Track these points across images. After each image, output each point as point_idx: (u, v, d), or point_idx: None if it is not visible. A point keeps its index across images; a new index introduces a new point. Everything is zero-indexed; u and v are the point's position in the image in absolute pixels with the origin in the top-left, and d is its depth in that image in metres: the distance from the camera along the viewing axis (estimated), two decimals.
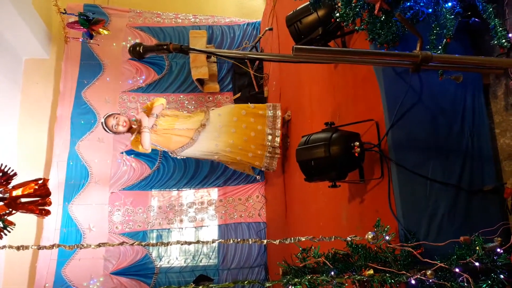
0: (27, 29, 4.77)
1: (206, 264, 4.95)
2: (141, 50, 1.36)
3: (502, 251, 1.42)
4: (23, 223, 4.42)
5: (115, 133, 3.69)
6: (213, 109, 3.89)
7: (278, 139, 3.76)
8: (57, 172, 4.89)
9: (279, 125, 3.79)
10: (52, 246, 1.39)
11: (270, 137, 3.76)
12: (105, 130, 3.67)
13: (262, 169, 3.95)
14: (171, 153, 3.82)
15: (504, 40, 1.43)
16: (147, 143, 3.60)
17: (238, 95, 5.21)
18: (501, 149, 1.82)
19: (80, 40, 5.17)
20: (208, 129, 3.71)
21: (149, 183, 5.06)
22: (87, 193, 4.91)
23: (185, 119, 3.75)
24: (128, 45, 5.39)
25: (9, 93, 4.97)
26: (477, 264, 1.41)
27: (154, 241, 4.97)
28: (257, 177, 4.79)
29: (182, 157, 3.94)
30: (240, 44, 5.52)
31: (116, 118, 3.61)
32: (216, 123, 3.74)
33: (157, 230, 4.99)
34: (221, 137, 3.74)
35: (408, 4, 1.64)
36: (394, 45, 1.79)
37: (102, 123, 3.66)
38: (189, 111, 5.33)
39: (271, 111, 3.86)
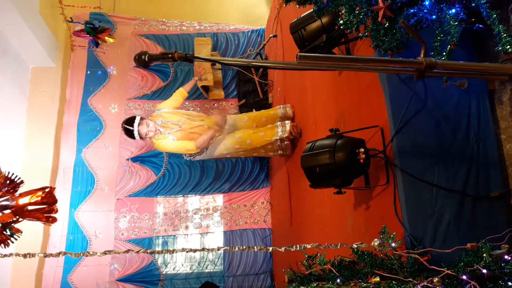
0: (34, 38, 4.82)
1: (211, 270, 4.94)
2: (146, 59, 1.37)
3: (509, 258, 1.41)
4: (30, 230, 4.45)
5: (143, 139, 3.68)
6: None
7: (288, 128, 3.73)
8: (64, 179, 4.92)
9: (290, 114, 3.92)
10: (58, 254, 1.40)
11: (280, 128, 3.79)
12: (131, 135, 3.61)
13: (276, 155, 3.90)
14: (186, 155, 3.84)
15: (508, 46, 1.42)
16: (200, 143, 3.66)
17: (243, 101, 5.22)
18: (507, 155, 1.81)
19: (86, 48, 5.22)
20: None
21: (155, 189, 5.08)
22: (93, 199, 4.94)
23: (199, 119, 3.83)
24: (134, 53, 5.45)
25: (16, 101, 5.02)
26: (484, 271, 1.40)
27: (160, 248, 4.97)
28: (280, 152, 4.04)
29: (196, 160, 3.98)
30: (244, 51, 5.54)
31: (148, 124, 3.59)
32: (228, 122, 3.87)
33: (162, 236, 4.99)
34: (229, 134, 3.82)
35: (412, 10, 1.64)
36: (398, 51, 1.79)
37: (132, 129, 3.57)
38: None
39: (282, 110, 3.97)
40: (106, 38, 4.79)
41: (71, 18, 4.98)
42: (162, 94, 5.39)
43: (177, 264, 4.92)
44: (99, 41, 4.77)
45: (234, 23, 5.82)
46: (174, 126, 3.68)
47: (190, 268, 4.92)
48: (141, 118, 3.64)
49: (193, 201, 5.17)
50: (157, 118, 3.68)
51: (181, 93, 3.93)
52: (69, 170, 4.96)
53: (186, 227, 5.04)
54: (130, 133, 3.61)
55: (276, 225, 4.86)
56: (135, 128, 3.58)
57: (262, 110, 4.13)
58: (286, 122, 3.79)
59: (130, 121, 3.62)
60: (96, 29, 4.70)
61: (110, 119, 5.20)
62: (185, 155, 3.87)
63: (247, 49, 5.54)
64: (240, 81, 5.35)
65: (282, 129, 3.75)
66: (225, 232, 5.05)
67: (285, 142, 3.75)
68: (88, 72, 5.32)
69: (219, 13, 6.01)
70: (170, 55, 1.31)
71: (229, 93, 5.48)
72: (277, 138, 3.74)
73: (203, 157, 3.89)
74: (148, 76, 5.38)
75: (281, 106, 4.02)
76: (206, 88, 5.26)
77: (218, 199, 5.20)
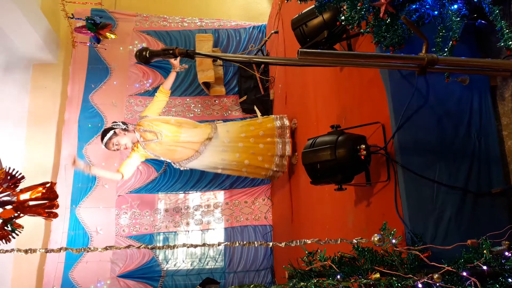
0: (35, 34, 4.82)
1: (212, 267, 4.95)
2: (147, 55, 1.37)
3: (510, 254, 1.41)
4: (31, 226, 4.47)
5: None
6: (219, 122, 3.88)
7: (288, 147, 3.74)
8: (65, 175, 4.93)
9: (288, 134, 3.81)
10: (59, 250, 1.41)
11: (280, 146, 3.74)
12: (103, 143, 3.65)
13: (266, 177, 3.97)
14: (173, 163, 3.80)
15: (510, 42, 1.42)
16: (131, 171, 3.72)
17: (244, 98, 5.22)
18: (508, 152, 1.80)
19: (88, 44, 5.22)
20: (215, 143, 3.67)
21: (156, 186, 5.08)
22: (94, 196, 4.94)
23: (189, 128, 3.69)
24: (135, 49, 5.45)
25: (17, 98, 5.02)
26: (484, 267, 1.40)
27: (161, 244, 4.98)
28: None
29: (185, 169, 3.92)
30: (246, 47, 5.53)
31: (117, 143, 3.59)
32: (223, 138, 3.71)
33: (163, 233, 5.00)
34: (227, 152, 3.71)
35: (414, 6, 1.63)
36: (400, 47, 1.78)
37: (104, 140, 3.60)
38: (195, 114, 5.35)
39: (279, 122, 3.86)
40: (107, 34, 4.79)
41: (72, 14, 4.98)
42: None
43: (178, 260, 4.93)
44: (100, 38, 4.77)
45: (236, 19, 5.81)
46: (153, 137, 3.59)
47: (191, 264, 4.94)
48: (115, 133, 3.57)
49: (194, 198, 5.17)
50: (140, 127, 3.64)
51: (162, 91, 3.75)
52: (70, 166, 4.96)
53: (187, 224, 5.05)
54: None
55: (277, 222, 4.87)
56: (104, 142, 3.60)
57: (259, 123, 3.89)
58: (283, 166, 3.78)
59: (103, 133, 3.61)
60: (97, 25, 4.70)
61: (111, 115, 5.20)
62: (173, 162, 3.80)
63: (248, 45, 5.53)
64: (241, 78, 5.34)
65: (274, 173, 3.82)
66: (226, 229, 5.06)
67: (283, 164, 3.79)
68: (90, 68, 5.32)
69: (220, 9, 6.00)
70: (171, 51, 1.31)
71: (230, 89, 5.47)
72: (275, 169, 3.78)
73: (193, 165, 3.81)
74: (149, 72, 5.38)
75: (278, 118, 3.90)
76: (207, 85, 5.26)
77: (219, 196, 5.20)
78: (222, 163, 3.76)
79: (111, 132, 3.58)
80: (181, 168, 3.86)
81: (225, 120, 5.22)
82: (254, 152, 3.72)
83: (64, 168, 4.95)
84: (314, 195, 3.13)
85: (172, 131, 3.62)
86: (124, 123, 3.70)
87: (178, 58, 3.64)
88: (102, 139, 3.61)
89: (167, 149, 3.63)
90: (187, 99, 5.40)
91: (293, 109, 3.96)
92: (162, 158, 3.77)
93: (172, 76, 3.82)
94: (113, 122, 3.71)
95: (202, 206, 5.13)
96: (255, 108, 4.65)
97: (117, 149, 3.65)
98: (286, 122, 3.85)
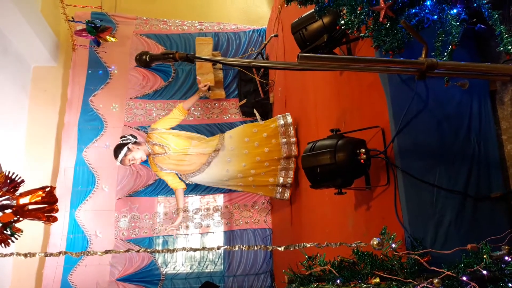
0: (35, 37, 4.83)
1: (211, 270, 4.94)
2: (147, 59, 1.37)
3: (510, 259, 1.41)
4: (31, 230, 4.46)
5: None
6: (226, 133, 3.85)
7: (294, 148, 3.62)
8: (64, 178, 4.93)
9: (292, 132, 3.67)
10: (59, 254, 1.40)
11: (285, 147, 3.64)
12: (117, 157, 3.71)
13: (278, 187, 3.78)
14: (180, 175, 3.81)
15: (510, 47, 1.42)
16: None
17: (244, 101, 5.22)
18: (508, 156, 1.80)
19: (88, 47, 5.23)
20: (221, 154, 3.65)
21: (155, 189, 5.08)
22: (93, 199, 4.94)
23: (199, 142, 3.71)
24: (135, 52, 5.46)
25: (17, 100, 5.03)
26: (484, 272, 1.39)
27: (160, 248, 4.97)
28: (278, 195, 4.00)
29: (191, 183, 3.90)
30: (245, 50, 5.54)
31: (132, 159, 3.67)
32: (228, 146, 3.68)
33: (163, 236, 4.99)
34: (232, 162, 3.65)
35: (413, 11, 1.64)
36: (400, 51, 1.79)
37: (118, 157, 3.66)
38: (195, 117, 5.35)
39: (282, 120, 3.76)
40: (108, 37, 4.80)
41: (72, 17, 4.99)
42: (163, 93, 5.40)
43: (177, 263, 4.92)
44: (101, 41, 4.78)
45: (235, 23, 5.82)
46: (161, 150, 3.61)
47: (190, 268, 4.93)
48: (129, 149, 3.64)
49: (194, 201, 5.17)
50: (150, 139, 3.67)
51: (181, 110, 3.72)
52: (70, 169, 4.97)
53: (187, 227, 5.04)
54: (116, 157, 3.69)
55: (276, 225, 4.86)
56: (119, 159, 3.66)
57: (261, 124, 3.83)
58: (291, 165, 3.67)
59: (117, 150, 3.67)
60: (97, 28, 4.70)
61: (111, 118, 5.21)
62: (179, 174, 3.81)
63: (248, 48, 5.54)
64: (241, 81, 5.35)
65: (285, 175, 3.69)
66: (225, 232, 5.05)
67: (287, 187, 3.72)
68: (90, 71, 5.33)
69: (220, 12, 6.02)
70: (171, 55, 1.31)
71: (230, 92, 5.48)
72: (281, 181, 3.70)
73: (198, 180, 3.81)
74: (149, 75, 5.39)
75: (281, 117, 3.78)
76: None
77: (218, 199, 5.20)
78: (227, 174, 3.70)
79: (125, 148, 3.63)
80: (186, 182, 3.84)
81: (227, 124, 5.24)
82: (260, 159, 3.64)
83: (63, 170, 4.95)
84: (314, 198, 3.12)
85: (180, 145, 3.63)
86: (133, 136, 3.73)
87: (208, 85, 3.80)
88: (116, 156, 3.65)
89: (174, 163, 3.65)
90: None
91: (293, 113, 3.95)
92: (169, 171, 3.77)
93: (194, 98, 3.85)
94: (121, 137, 3.75)
95: (201, 209, 5.13)
96: (255, 111, 4.65)
97: (133, 164, 3.70)
98: (289, 119, 3.72)
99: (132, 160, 3.65)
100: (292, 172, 3.68)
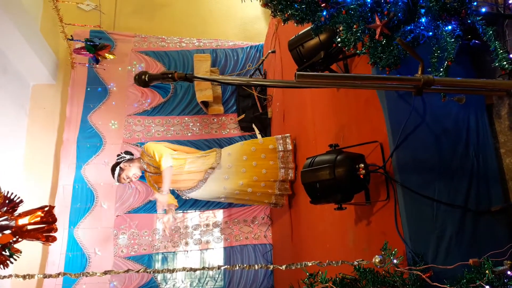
0: (34, 56, 4.86)
1: (212, 287, 4.88)
2: (146, 79, 1.38)
3: None
4: (29, 248, 4.41)
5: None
6: (224, 149, 3.87)
7: (291, 173, 3.69)
8: (63, 196, 4.90)
9: (291, 159, 3.73)
10: (58, 275, 1.39)
11: (283, 171, 3.68)
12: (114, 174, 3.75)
13: (270, 206, 3.96)
14: (177, 191, 3.82)
15: (505, 62, 1.44)
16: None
17: (242, 116, 5.24)
18: (507, 169, 1.81)
19: (87, 65, 5.26)
20: (218, 171, 3.67)
21: (154, 206, 5.02)
22: (92, 216, 4.91)
23: (194, 159, 3.71)
24: (133, 70, 5.50)
25: (16, 118, 5.03)
26: (487, 287, 1.39)
27: (160, 264, 4.93)
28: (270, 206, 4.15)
29: (188, 198, 3.92)
30: (243, 66, 5.58)
31: (127, 177, 3.71)
32: (225, 163, 3.69)
33: (162, 253, 4.95)
34: (230, 179, 3.67)
35: (409, 27, 1.66)
36: (396, 67, 1.81)
37: (114, 178, 3.72)
38: (194, 133, 5.36)
39: (281, 145, 3.77)
40: (106, 54, 4.84)
41: (71, 36, 5.03)
42: (162, 110, 5.41)
43: (177, 280, 4.86)
44: (99, 58, 4.82)
45: (233, 39, 5.87)
46: (156, 170, 3.66)
47: (190, 285, 4.87)
48: (121, 169, 3.69)
49: (193, 217, 5.14)
50: (143, 159, 3.72)
51: (160, 167, 3.54)
52: (68, 187, 4.94)
53: (186, 243, 5.00)
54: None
55: (276, 241, 4.83)
56: (115, 179, 3.73)
57: (260, 143, 3.84)
58: (286, 191, 3.75)
59: (112, 171, 3.74)
60: (96, 46, 4.74)
61: (110, 135, 5.20)
62: (177, 190, 3.83)
63: (246, 64, 5.58)
64: (239, 96, 5.38)
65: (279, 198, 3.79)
66: (225, 248, 5.01)
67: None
68: (88, 89, 5.35)
69: (218, 29, 6.07)
70: (170, 75, 1.33)
71: (229, 108, 5.50)
72: (278, 192, 3.75)
73: (195, 196, 3.82)
74: (148, 92, 5.41)
75: (280, 140, 3.79)
76: (205, 104, 5.29)
77: (218, 214, 5.17)
78: (224, 191, 3.72)
79: (118, 169, 3.70)
80: (183, 197, 3.85)
81: (225, 140, 5.25)
82: (257, 179, 3.67)
83: (62, 188, 4.93)
84: (314, 213, 3.11)
85: (175, 164, 3.62)
86: (127, 152, 3.79)
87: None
88: (113, 176, 3.74)
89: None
90: (186, 118, 5.42)
91: (291, 127, 3.97)
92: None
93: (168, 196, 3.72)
94: (117, 155, 3.81)
95: (201, 225, 5.10)
96: (254, 126, 4.66)
97: (130, 181, 3.77)
98: (289, 146, 3.74)
99: (127, 178, 3.70)
100: (285, 197, 3.85)
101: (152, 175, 3.70)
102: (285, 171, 3.69)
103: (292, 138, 3.86)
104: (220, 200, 3.95)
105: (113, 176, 3.72)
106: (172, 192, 4.08)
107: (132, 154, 3.82)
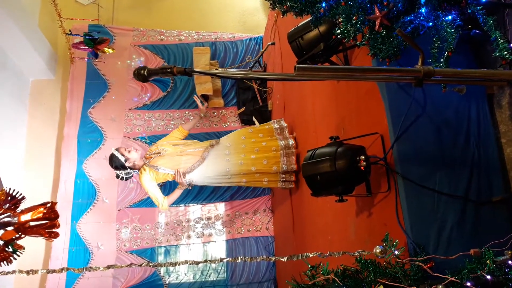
0: (33, 51, 4.85)
1: (215, 279, 4.92)
2: (145, 74, 1.38)
3: None
4: (32, 244, 4.44)
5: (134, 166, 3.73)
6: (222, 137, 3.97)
7: (291, 141, 3.73)
8: (65, 191, 4.92)
9: (287, 133, 3.84)
10: (61, 270, 1.40)
11: (282, 142, 3.73)
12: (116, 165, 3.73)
13: (280, 180, 3.74)
14: (180, 177, 3.81)
15: (505, 52, 1.43)
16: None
17: (243, 109, 5.23)
18: (508, 159, 1.81)
19: (86, 59, 5.24)
20: (218, 148, 3.74)
21: None
22: (94, 211, 4.93)
23: (194, 144, 3.83)
24: (133, 63, 5.48)
25: (16, 114, 5.03)
26: (488, 277, 1.39)
27: (162, 257, 4.96)
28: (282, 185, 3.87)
29: (192, 185, 3.86)
30: (243, 59, 5.56)
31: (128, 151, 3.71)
32: (225, 143, 3.79)
33: (165, 246, 4.97)
34: (231, 154, 3.73)
35: (408, 18, 1.65)
36: (396, 58, 1.80)
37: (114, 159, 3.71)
38: (194, 126, 5.35)
39: (277, 124, 3.92)
40: (105, 49, 4.81)
41: (70, 30, 5.00)
42: (162, 104, 5.40)
43: (180, 273, 4.90)
44: (98, 52, 4.79)
45: (232, 32, 5.85)
46: (157, 154, 3.71)
47: (193, 277, 4.91)
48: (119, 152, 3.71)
49: (195, 210, 5.16)
50: (148, 156, 3.75)
51: (180, 131, 3.91)
52: (70, 182, 4.96)
53: (188, 237, 5.03)
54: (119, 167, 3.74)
55: (278, 233, 4.85)
56: (121, 161, 3.70)
57: (258, 127, 3.97)
58: (291, 150, 3.69)
59: (110, 158, 3.76)
60: (95, 41, 4.72)
61: (110, 130, 5.21)
62: (178, 175, 3.78)
63: (245, 57, 5.56)
64: (239, 89, 5.36)
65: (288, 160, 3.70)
66: (227, 241, 5.03)
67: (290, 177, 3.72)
68: (88, 83, 5.34)
69: (217, 22, 6.04)
70: (169, 70, 1.32)
71: (229, 101, 5.49)
72: (284, 168, 3.67)
73: (200, 175, 3.76)
74: (147, 86, 5.40)
75: (275, 121, 3.98)
76: (205, 97, 5.28)
77: (219, 207, 5.19)
78: (228, 164, 3.68)
79: (115, 152, 3.75)
80: (188, 187, 3.82)
81: (226, 133, 5.25)
82: (259, 150, 3.72)
83: (64, 183, 4.94)
84: (315, 205, 3.12)
85: (176, 148, 3.74)
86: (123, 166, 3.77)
87: (205, 105, 4.08)
88: (114, 164, 3.74)
89: (170, 160, 3.67)
90: (186, 112, 5.41)
91: (292, 120, 3.97)
92: (167, 171, 3.73)
93: (195, 120, 4.18)
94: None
95: (203, 218, 5.12)
96: (254, 119, 4.66)
97: (134, 162, 3.70)
98: (284, 124, 3.91)
99: (133, 160, 3.69)
100: (293, 159, 3.71)
101: (153, 157, 3.71)
102: (285, 142, 3.72)
103: (290, 128, 3.91)
104: (226, 181, 3.80)
105: (114, 163, 3.71)
106: (172, 183, 4.18)
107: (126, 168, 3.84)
